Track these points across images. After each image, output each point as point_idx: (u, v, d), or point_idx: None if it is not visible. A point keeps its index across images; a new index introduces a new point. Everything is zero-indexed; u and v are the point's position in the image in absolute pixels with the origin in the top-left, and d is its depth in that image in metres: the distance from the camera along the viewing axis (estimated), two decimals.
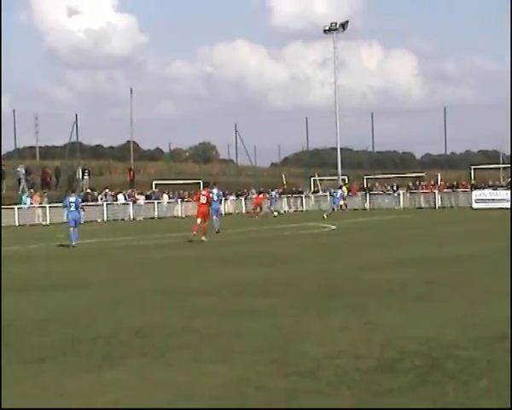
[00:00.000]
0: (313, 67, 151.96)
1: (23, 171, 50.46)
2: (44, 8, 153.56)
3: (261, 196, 50.24)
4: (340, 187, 50.54)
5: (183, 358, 6.81)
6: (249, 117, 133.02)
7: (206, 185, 29.21)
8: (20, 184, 49.72)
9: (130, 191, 52.19)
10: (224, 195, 48.50)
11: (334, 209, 40.73)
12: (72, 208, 24.61)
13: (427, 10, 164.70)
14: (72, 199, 24.96)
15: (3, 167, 50.16)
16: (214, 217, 28.71)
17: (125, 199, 50.80)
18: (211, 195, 27.27)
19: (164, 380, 6.04)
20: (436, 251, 17.71)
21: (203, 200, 25.42)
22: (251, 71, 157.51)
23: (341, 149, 66.57)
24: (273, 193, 51.89)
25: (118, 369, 6.49)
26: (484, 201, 50.06)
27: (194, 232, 24.12)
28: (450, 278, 12.26)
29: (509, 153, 64.94)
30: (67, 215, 25.18)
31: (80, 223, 25.76)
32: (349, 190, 56.42)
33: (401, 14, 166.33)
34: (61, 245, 24.33)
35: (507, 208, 47.66)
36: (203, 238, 24.09)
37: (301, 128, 67.53)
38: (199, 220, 24.76)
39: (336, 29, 64.59)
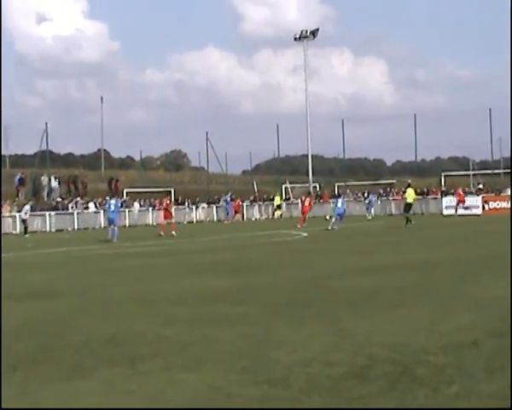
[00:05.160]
0: (284, 74, 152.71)
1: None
2: (13, 14, 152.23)
3: (307, 204, 42.31)
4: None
5: (153, 367, 6.78)
6: (220, 124, 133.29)
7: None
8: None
9: (100, 200, 51.83)
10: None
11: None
12: None
13: (397, 17, 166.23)
14: None
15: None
16: (112, 227, 30.46)
17: (96, 207, 50.49)
18: (106, 206, 32.98)
19: (135, 389, 6.01)
20: (407, 258, 17.80)
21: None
22: (221, 78, 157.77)
23: (312, 156, 66.94)
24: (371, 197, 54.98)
25: (89, 378, 6.45)
26: (454, 207, 50.37)
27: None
28: (420, 285, 12.33)
29: (477, 160, 65.74)
30: None
31: None
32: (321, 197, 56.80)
33: (371, 22, 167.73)
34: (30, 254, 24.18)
35: (477, 215, 48.20)
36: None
37: (272, 135, 67.82)
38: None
39: (307, 36, 65.04)
